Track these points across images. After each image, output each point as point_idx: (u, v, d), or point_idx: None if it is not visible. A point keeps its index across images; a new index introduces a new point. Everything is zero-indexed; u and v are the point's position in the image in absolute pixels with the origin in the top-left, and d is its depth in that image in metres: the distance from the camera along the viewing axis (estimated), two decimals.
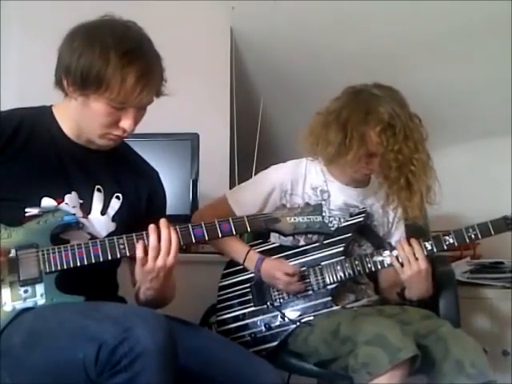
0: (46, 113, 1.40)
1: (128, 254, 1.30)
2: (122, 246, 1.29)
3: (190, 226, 1.34)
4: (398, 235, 1.92)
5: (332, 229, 1.81)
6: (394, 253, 1.74)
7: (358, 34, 2.68)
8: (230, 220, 1.36)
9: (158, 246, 1.29)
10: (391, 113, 1.70)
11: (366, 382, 1.50)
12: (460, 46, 2.60)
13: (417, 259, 1.69)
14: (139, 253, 1.29)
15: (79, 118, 1.35)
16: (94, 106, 1.29)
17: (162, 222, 1.31)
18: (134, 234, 1.30)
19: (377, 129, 1.70)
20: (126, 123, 1.31)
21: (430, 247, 1.73)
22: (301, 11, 2.63)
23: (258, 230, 1.46)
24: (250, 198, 1.87)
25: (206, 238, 1.35)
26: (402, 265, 1.71)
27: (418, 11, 2.48)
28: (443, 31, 2.55)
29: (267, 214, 1.40)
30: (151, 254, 1.29)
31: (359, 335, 1.54)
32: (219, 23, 2.85)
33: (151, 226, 1.30)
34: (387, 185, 1.78)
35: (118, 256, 1.29)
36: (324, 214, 1.79)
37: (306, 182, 1.88)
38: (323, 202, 1.84)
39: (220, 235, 1.35)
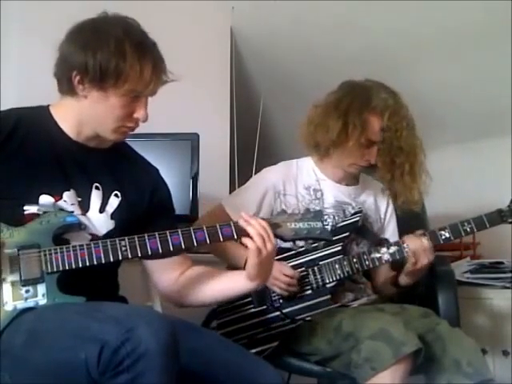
0: (43, 112, 1.40)
1: (130, 256, 1.29)
2: (123, 248, 1.28)
3: (191, 229, 1.34)
4: (391, 229, 1.96)
5: (327, 227, 1.82)
6: (393, 248, 1.75)
7: (358, 34, 2.68)
8: (232, 224, 1.36)
9: (261, 234, 1.33)
10: (396, 100, 1.76)
11: (369, 378, 1.50)
12: (460, 45, 2.60)
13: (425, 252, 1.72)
14: (252, 245, 1.32)
15: (90, 115, 1.34)
16: (113, 99, 1.30)
17: (246, 216, 1.36)
18: (136, 237, 1.30)
19: (385, 115, 1.74)
20: (140, 113, 1.34)
21: (425, 242, 1.74)
22: (301, 11, 2.63)
23: None
24: (245, 202, 1.87)
25: (208, 242, 1.34)
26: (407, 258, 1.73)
27: (418, 11, 2.48)
28: (443, 31, 2.56)
29: (268, 219, 1.40)
30: (259, 242, 1.32)
31: (362, 331, 1.55)
32: (219, 23, 2.85)
33: (243, 219, 1.35)
34: (388, 170, 1.80)
35: (120, 258, 1.29)
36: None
37: (298, 181, 1.89)
38: (317, 201, 1.87)
39: (222, 239, 1.35)
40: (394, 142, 1.74)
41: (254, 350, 1.72)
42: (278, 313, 1.79)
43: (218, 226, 1.35)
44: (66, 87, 1.33)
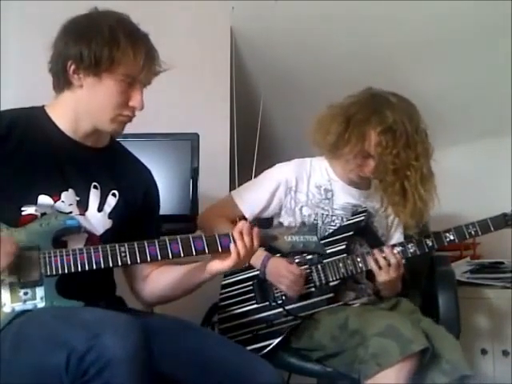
0: (38, 112, 1.40)
1: (129, 263, 1.28)
2: (123, 254, 1.28)
3: (190, 237, 1.33)
4: (396, 237, 1.95)
5: (334, 228, 1.85)
6: (397, 249, 1.78)
7: (357, 34, 2.68)
8: (230, 234, 1.35)
9: (248, 249, 1.34)
10: (396, 119, 1.73)
11: (374, 374, 1.51)
12: (460, 46, 2.60)
13: (389, 265, 1.74)
14: (235, 253, 1.32)
15: (87, 106, 1.35)
16: (108, 84, 1.31)
17: (242, 226, 1.35)
18: (135, 243, 1.29)
19: (377, 129, 1.73)
20: (135, 100, 1.34)
21: (430, 244, 1.78)
22: (300, 11, 2.63)
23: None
24: (255, 195, 1.89)
25: (207, 252, 1.34)
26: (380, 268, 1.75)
27: (418, 12, 2.48)
28: (443, 31, 2.55)
29: (266, 231, 1.40)
30: (243, 253, 1.33)
31: (369, 328, 1.56)
32: (219, 23, 2.85)
33: (238, 230, 1.33)
34: (382, 187, 1.81)
35: (120, 264, 1.28)
36: (328, 212, 1.86)
37: (310, 180, 1.90)
38: (326, 201, 1.87)
39: (220, 249, 1.35)
40: (383, 158, 1.74)
41: (255, 346, 1.74)
42: (280, 309, 1.79)
43: (216, 236, 1.35)
44: (62, 79, 1.34)
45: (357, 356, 1.56)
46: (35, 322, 1.17)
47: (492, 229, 1.77)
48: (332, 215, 1.87)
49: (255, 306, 1.82)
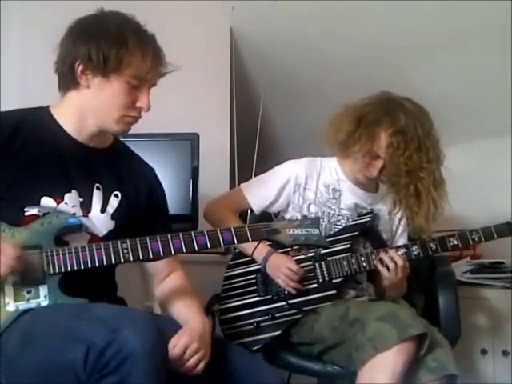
0: (44, 112, 1.40)
1: (132, 259, 1.29)
2: (125, 251, 1.28)
3: (193, 233, 1.33)
4: (401, 243, 1.95)
5: (339, 227, 1.87)
6: (401, 251, 1.80)
7: (358, 35, 2.67)
8: (232, 229, 1.36)
9: None
10: (408, 123, 1.75)
11: (370, 358, 1.51)
12: (460, 46, 2.60)
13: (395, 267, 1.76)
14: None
15: (93, 106, 1.34)
16: (115, 85, 1.31)
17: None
18: (137, 239, 1.30)
19: (389, 130, 1.75)
20: (142, 102, 1.34)
21: (434, 247, 1.81)
22: (300, 11, 2.63)
23: (259, 240, 1.48)
24: (264, 189, 1.91)
25: (209, 246, 1.34)
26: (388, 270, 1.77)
27: (418, 12, 2.48)
28: (443, 32, 2.55)
29: (268, 225, 1.41)
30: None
31: (369, 314, 1.58)
32: (219, 23, 2.85)
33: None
34: (395, 191, 1.81)
35: (122, 261, 1.28)
36: (334, 211, 1.88)
37: (319, 178, 1.92)
38: (334, 200, 1.89)
39: (222, 244, 1.35)
40: (395, 160, 1.75)
41: (255, 338, 1.76)
42: (282, 303, 1.81)
43: (218, 231, 1.35)
44: (69, 80, 1.34)
45: (355, 342, 1.57)
46: (45, 319, 1.17)
47: (495, 236, 1.81)
48: (338, 215, 1.88)
49: (257, 298, 1.84)
